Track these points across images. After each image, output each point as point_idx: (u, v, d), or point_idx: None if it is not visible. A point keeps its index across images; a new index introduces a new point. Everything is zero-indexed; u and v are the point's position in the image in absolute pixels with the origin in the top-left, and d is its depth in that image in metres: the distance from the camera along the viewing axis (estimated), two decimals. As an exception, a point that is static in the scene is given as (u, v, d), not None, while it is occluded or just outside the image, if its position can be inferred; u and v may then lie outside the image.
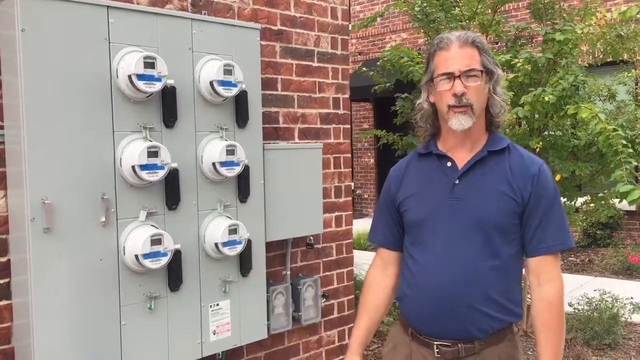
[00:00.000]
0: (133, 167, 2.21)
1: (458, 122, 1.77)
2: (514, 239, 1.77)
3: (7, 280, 2.22)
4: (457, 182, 1.81)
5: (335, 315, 3.47)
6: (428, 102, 1.88)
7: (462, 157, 1.83)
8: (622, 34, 4.67)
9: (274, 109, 3.11)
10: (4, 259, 2.22)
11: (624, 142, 3.59)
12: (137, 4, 2.51)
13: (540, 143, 4.30)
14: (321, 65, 3.35)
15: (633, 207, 7.21)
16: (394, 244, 1.95)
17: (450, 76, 1.76)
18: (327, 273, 3.41)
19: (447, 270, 1.77)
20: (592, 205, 5.18)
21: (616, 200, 4.58)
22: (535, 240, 1.76)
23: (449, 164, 1.84)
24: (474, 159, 1.81)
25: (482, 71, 1.77)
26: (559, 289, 1.77)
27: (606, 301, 4.86)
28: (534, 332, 1.80)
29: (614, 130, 3.60)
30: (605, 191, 4.82)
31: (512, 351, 1.82)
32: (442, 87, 1.78)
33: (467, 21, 5.22)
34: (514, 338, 1.85)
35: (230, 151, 2.50)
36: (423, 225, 1.83)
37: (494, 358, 1.76)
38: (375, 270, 1.99)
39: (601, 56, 5.19)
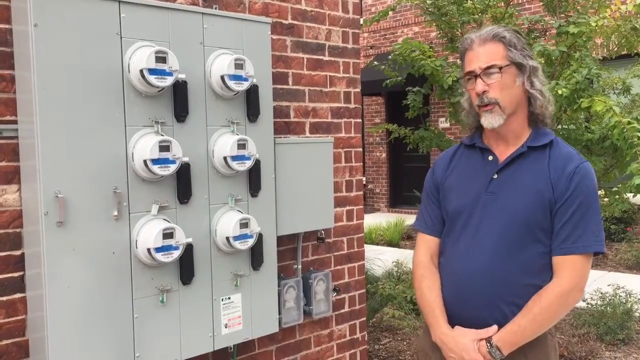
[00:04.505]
0: (145, 161, 2.22)
1: (487, 120, 1.77)
2: (545, 237, 1.73)
3: (21, 273, 2.25)
4: (495, 176, 1.80)
5: (347, 309, 3.47)
6: (468, 102, 1.88)
7: (503, 152, 1.82)
8: (637, 26, 4.62)
9: (285, 103, 3.11)
10: (18, 253, 2.24)
11: None
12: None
13: (554, 137, 4.26)
14: (332, 59, 3.34)
15: (648, 202, 7.14)
16: (439, 231, 1.95)
17: (473, 75, 1.77)
18: (338, 267, 3.41)
19: (470, 263, 1.78)
20: (606, 199, 5.14)
21: (630, 195, 4.54)
22: (560, 239, 1.72)
23: (490, 157, 1.84)
24: (513, 154, 1.79)
25: (502, 66, 1.73)
26: (566, 288, 1.70)
27: (620, 296, 4.84)
28: None
29: (629, 123, 3.57)
30: (620, 185, 4.78)
31: (542, 355, 1.77)
32: (468, 87, 1.80)
33: (480, 14, 5.18)
34: (545, 340, 1.79)
35: (242, 145, 2.50)
36: (458, 216, 1.85)
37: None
38: (425, 257, 1.94)
39: (616, 49, 5.13)
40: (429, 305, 1.86)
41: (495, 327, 1.73)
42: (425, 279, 1.89)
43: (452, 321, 1.82)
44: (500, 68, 1.73)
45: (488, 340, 1.72)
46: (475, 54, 1.76)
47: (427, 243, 1.96)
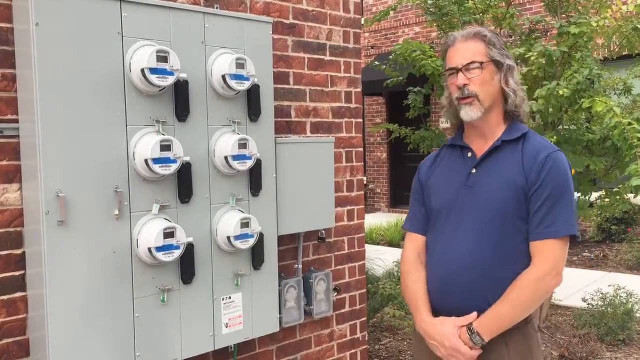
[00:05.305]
0: (146, 161, 2.22)
1: (466, 113, 1.85)
2: (523, 225, 1.78)
3: (22, 272, 2.25)
4: (473, 171, 1.86)
5: (347, 309, 3.47)
6: (448, 99, 1.95)
7: (481, 148, 1.89)
8: (639, 26, 4.61)
9: (286, 103, 3.11)
10: (19, 252, 2.24)
11: (640, 136, 3.55)
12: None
13: (555, 137, 4.27)
14: (333, 59, 3.34)
15: (648, 202, 7.12)
16: (425, 229, 2.00)
17: (455, 70, 1.85)
18: (339, 267, 3.41)
19: (452, 256, 1.83)
20: (606, 200, 5.13)
21: (631, 195, 4.53)
22: (533, 225, 1.77)
23: (469, 154, 1.91)
24: (490, 149, 1.86)
25: (483, 63, 1.81)
26: (540, 273, 1.74)
27: (620, 297, 4.83)
28: None
29: (630, 124, 3.57)
30: (620, 186, 4.78)
31: (522, 346, 1.80)
32: (449, 82, 1.88)
33: (481, 14, 5.18)
34: (528, 333, 1.82)
35: (243, 145, 2.50)
36: (440, 213, 1.90)
37: (503, 353, 1.77)
38: (412, 255, 2.01)
39: (617, 50, 5.13)
40: (412, 297, 1.93)
41: (475, 314, 1.77)
42: (410, 274, 1.97)
43: (438, 315, 1.86)
44: (481, 64, 1.81)
45: (469, 326, 1.76)
46: (457, 50, 1.86)
47: (414, 241, 2.02)
